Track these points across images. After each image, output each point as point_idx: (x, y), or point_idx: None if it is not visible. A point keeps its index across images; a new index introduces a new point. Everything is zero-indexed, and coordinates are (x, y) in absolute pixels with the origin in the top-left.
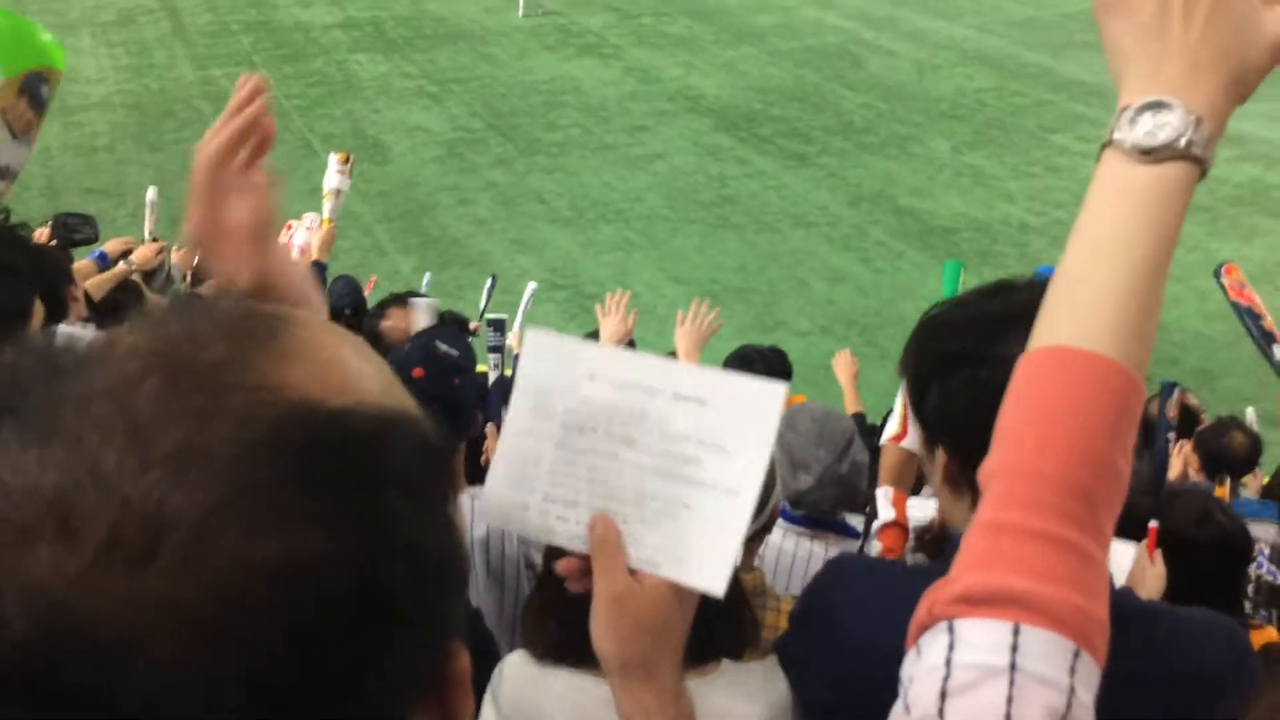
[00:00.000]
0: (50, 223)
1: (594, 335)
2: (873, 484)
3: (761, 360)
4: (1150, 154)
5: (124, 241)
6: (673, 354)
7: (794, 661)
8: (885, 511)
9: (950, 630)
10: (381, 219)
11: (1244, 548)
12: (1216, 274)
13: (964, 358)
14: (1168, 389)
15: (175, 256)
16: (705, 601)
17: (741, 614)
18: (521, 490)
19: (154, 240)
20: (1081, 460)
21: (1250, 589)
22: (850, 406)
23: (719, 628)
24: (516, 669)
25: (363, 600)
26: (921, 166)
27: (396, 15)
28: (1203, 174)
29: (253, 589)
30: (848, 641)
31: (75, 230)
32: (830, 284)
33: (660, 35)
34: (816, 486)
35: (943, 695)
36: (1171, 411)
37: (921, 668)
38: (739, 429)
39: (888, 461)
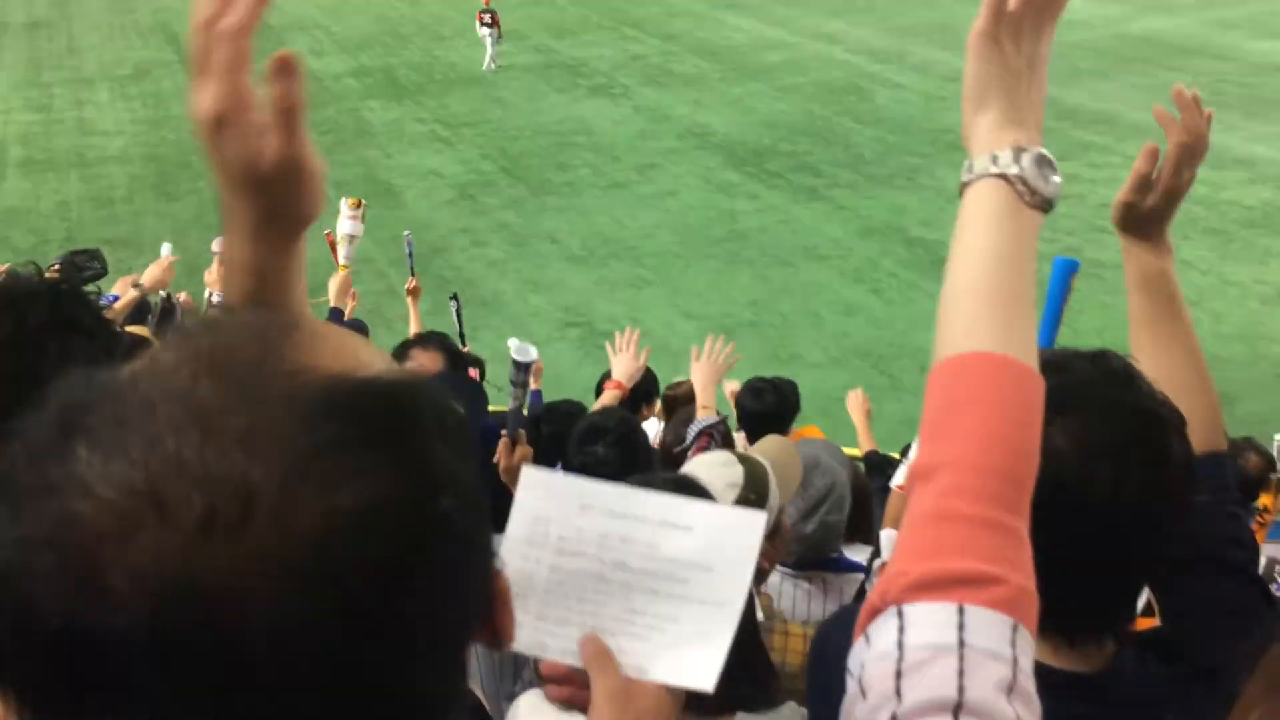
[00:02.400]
0: (58, 264)
1: (607, 375)
2: (875, 522)
3: (773, 391)
4: (1048, 205)
5: (131, 279)
6: (684, 388)
7: (811, 705)
8: (888, 553)
9: (899, 614)
10: (395, 262)
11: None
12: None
13: None
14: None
15: (207, 278)
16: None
17: (758, 666)
18: (515, 609)
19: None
20: (1013, 451)
21: None
22: (864, 445)
23: (735, 680)
24: (529, 711)
25: (428, 529)
26: (931, 197)
27: (408, 62)
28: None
29: (337, 534)
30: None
31: (84, 268)
32: (843, 316)
33: (668, 74)
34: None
35: (898, 675)
36: None
37: (873, 653)
38: (724, 550)
39: (894, 509)
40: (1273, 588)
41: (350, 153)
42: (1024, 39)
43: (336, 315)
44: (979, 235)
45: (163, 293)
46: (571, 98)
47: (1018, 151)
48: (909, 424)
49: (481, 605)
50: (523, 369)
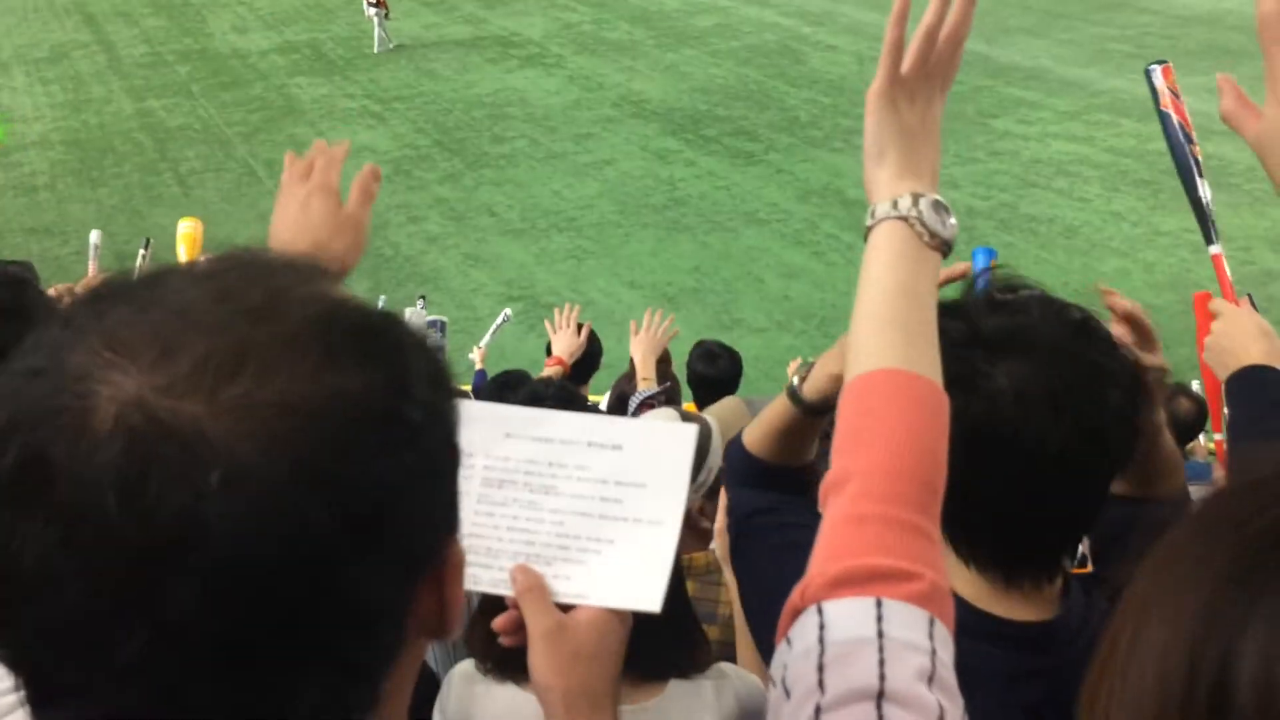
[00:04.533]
0: None
1: (548, 350)
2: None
3: (726, 356)
4: (945, 244)
5: (65, 288)
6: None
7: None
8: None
9: (820, 612)
10: None
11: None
12: (1148, 73)
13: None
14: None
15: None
16: (654, 624)
17: (693, 635)
18: None
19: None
20: (921, 456)
21: None
22: None
23: (666, 646)
24: (462, 681)
25: (395, 430)
26: None
27: (335, 36)
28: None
29: (312, 404)
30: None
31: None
32: (785, 280)
33: (600, 42)
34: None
35: (820, 669)
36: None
37: (794, 653)
38: (656, 468)
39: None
40: None
41: (280, 131)
42: (917, 101)
43: None
44: (882, 270)
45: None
46: (504, 68)
47: (916, 197)
48: None
49: (434, 545)
50: (441, 330)
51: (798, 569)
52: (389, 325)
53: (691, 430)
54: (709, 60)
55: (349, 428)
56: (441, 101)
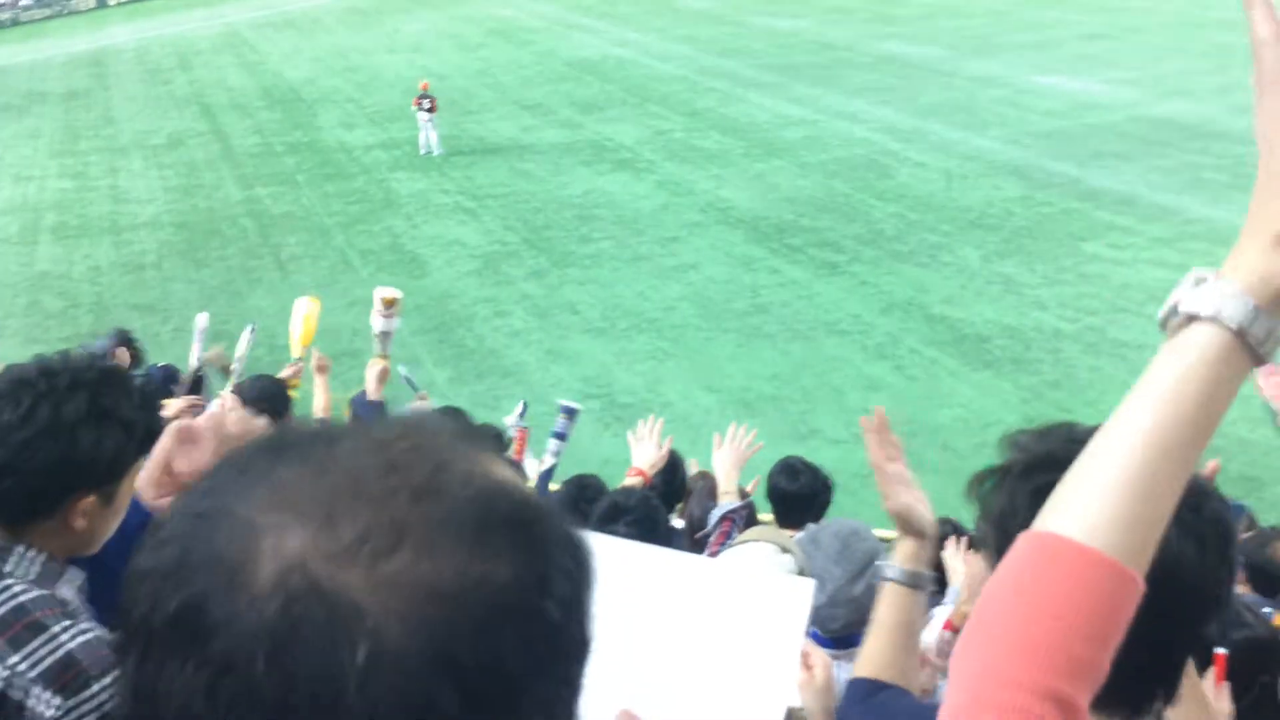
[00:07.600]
0: (114, 338)
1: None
2: None
3: (808, 471)
4: (1260, 358)
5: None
6: (706, 474)
7: None
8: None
9: None
10: (418, 331)
11: (1273, 652)
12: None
13: None
14: (1236, 511)
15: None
16: None
17: None
18: None
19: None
20: (1059, 667)
21: None
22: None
23: None
24: None
25: (534, 622)
26: (952, 275)
27: (437, 134)
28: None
29: (463, 592)
30: None
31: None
32: (865, 392)
33: (691, 150)
34: (828, 604)
35: None
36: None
37: None
38: (771, 618)
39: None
40: None
41: (377, 222)
42: None
43: (379, 408)
44: (1151, 393)
45: (194, 363)
46: (596, 171)
47: (1199, 281)
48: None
49: None
50: (573, 417)
51: None
52: (540, 516)
53: (810, 584)
54: (796, 171)
55: (490, 618)
56: (533, 200)
